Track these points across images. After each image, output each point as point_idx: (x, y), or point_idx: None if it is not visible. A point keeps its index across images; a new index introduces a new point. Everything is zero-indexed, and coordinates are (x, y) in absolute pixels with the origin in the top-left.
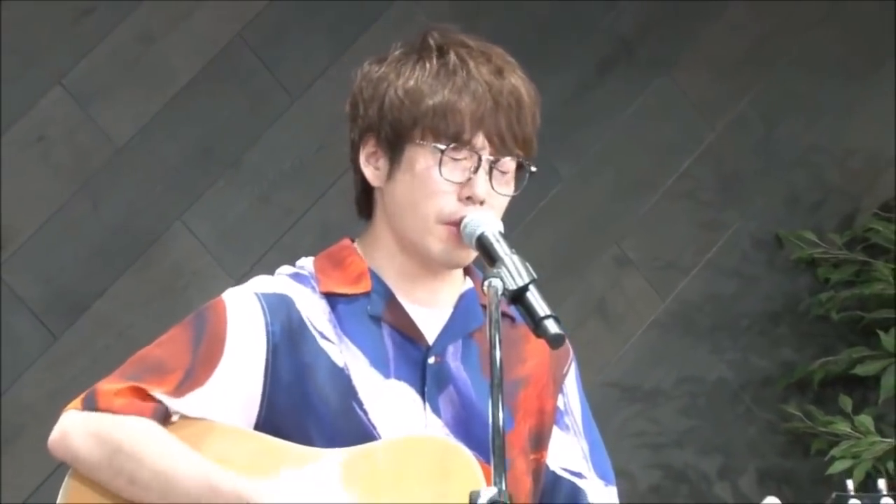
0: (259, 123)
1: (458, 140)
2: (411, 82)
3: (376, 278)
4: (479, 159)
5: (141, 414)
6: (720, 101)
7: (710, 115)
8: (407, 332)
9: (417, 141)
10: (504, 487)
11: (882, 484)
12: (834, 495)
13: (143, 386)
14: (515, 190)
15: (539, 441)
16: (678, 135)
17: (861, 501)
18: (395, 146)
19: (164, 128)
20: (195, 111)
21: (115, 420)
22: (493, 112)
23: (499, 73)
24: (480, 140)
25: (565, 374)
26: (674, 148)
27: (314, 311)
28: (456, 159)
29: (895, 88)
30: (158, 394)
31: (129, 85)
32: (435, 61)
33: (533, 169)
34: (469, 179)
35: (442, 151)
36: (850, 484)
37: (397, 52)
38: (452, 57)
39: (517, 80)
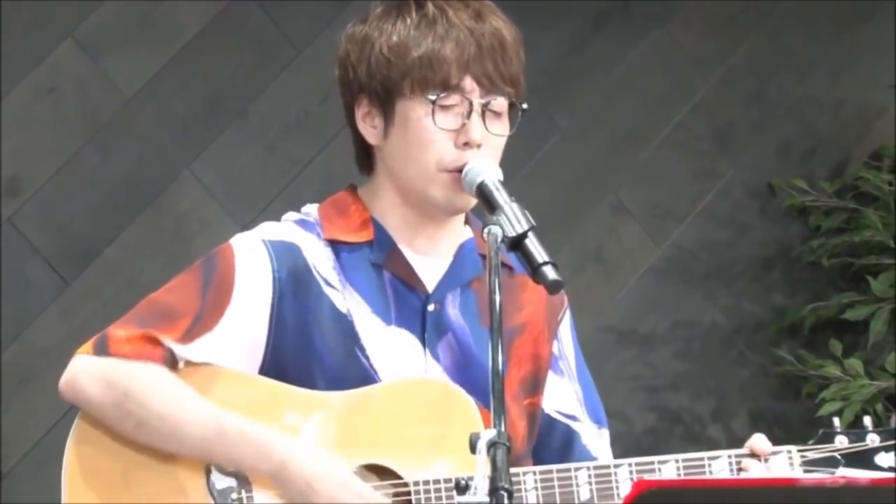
0: (265, 75)
1: (446, 87)
2: (394, 38)
3: (378, 227)
4: (471, 104)
5: (150, 359)
6: (714, 54)
7: (704, 68)
8: (407, 281)
9: (407, 94)
10: (504, 429)
11: (867, 421)
12: (821, 432)
13: (153, 333)
14: (510, 129)
15: (535, 386)
16: (673, 87)
17: (847, 438)
18: (386, 103)
19: (172, 80)
20: (203, 63)
21: (124, 365)
22: (477, 55)
23: (478, 16)
24: (469, 84)
25: (560, 322)
26: (669, 99)
27: (319, 259)
28: (447, 106)
29: (894, 39)
30: (168, 341)
31: (138, 38)
32: (414, 14)
33: (525, 106)
34: (463, 125)
35: (433, 101)
36: (836, 421)
37: (378, 11)
38: (431, 8)
39: (497, 22)
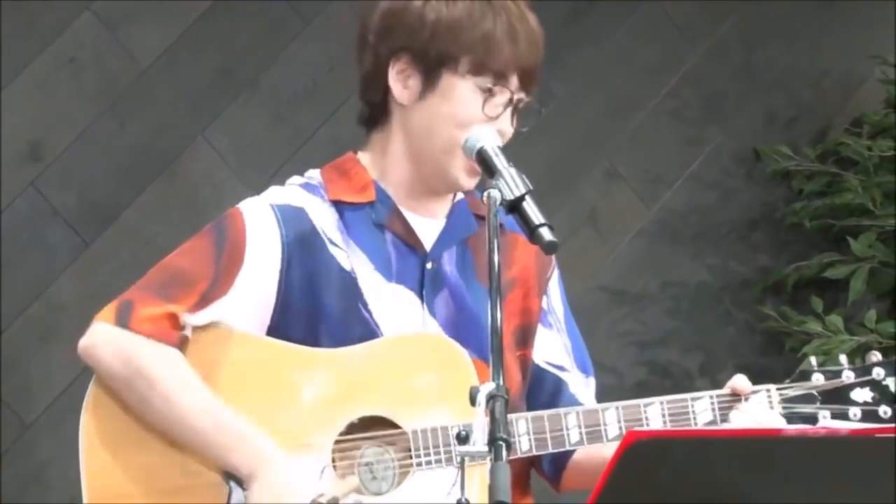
0: (275, 46)
1: (499, 77)
2: (458, 11)
3: (380, 189)
4: (512, 98)
5: (167, 341)
6: (703, 25)
7: (693, 39)
8: (407, 240)
9: (460, 71)
10: (502, 382)
11: (843, 359)
12: (798, 370)
13: (173, 310)
14: (520, 126)
15: (525, 338)
16: (664, 57)
17: (824, 375)
18: (433, 70)
19: (186, 50)
20: (215, 35)
21: (141, 343)
22: (526, 53)
23: (525, 10)
24: (514, 80)
25: (549, 278)
26: (660, 69)
27: (325, 220)
28: (494, 95)
29: (874, 12)
30: (186, 315)
31: (154, 10)
32: None
33: (543, 110)
34: (498, 115)
35: (489, 89)
36: (813, 360)
37: None
38: None
39: (534, 20)
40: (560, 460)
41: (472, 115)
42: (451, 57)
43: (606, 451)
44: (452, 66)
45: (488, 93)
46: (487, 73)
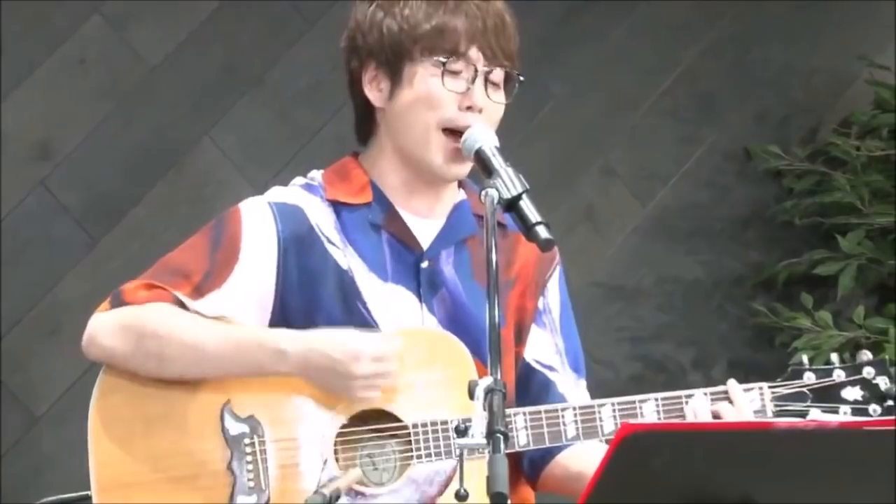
0: (279, 46)
1: (454, 53)
2: (407, 10)
3: (377, 190)
4: (475, 70)
5: (159, 300)
6: (698, 26)
7: (688, 39)
8: (403, 239)
9: (417, 58)
10: (499, 376)
11: (834, 357)
12: (790, 369)
13: (163, 286)
14: (507, 99)
15: (519, 336)
16: (660, 57)
17: (815, 374)
18: (395, 66)
19: (192, 51)
20: (221, 35)
21: (136, 309)
22: (483, 30)
23: None
24: (474, 53)
25: (548, 279)
26: (655, 69)
27: (322, 219)
28: (454, 72)
29: (863, 11)
30: (178, 294)
31: (160, 11)
32: None
33: (521, 78)
34: (468, 90)
35: (443, 64)
36: (805, 358)
37: None
38: None
39: (500, 4)
40: (539, 462)
41: (436, 94)
42: (406, 48)
43: (588, 464)
44: (409, 56)
45: (443, 66)
46: (439, 51)
